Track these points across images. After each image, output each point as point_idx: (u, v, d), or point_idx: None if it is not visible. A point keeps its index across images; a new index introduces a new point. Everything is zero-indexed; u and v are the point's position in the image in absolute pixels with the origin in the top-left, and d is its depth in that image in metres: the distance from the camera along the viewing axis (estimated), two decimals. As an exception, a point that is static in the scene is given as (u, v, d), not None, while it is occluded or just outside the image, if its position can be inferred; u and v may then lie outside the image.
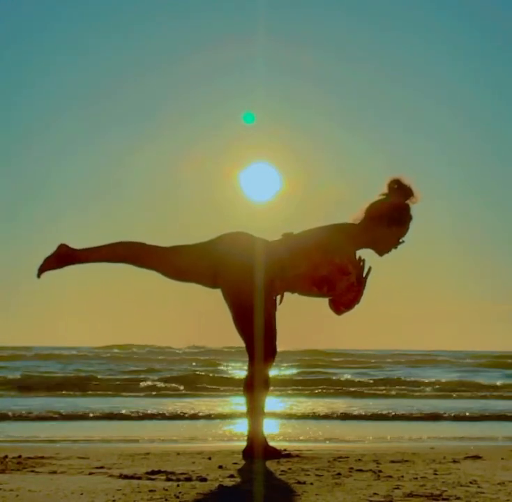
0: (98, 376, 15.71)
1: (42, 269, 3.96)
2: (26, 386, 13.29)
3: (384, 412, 9.41)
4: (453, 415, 9.22)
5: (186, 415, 8.96)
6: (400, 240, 4.11)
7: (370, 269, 4.05)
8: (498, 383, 15.80)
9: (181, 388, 13.62)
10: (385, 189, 4.12)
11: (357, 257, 4.06)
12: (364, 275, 4.03)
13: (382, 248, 4.11)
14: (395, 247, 4.12)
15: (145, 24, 42.50)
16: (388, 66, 45.84)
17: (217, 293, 4.01)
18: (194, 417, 8.88)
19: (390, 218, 4.05)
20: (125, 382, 14.52)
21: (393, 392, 13.52)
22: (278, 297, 4.02)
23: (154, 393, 12.77)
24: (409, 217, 4.10)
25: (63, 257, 3.96)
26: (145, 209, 47.38)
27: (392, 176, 4.12)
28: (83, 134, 45.07)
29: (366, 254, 4.10)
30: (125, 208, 47.96)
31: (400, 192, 4.08)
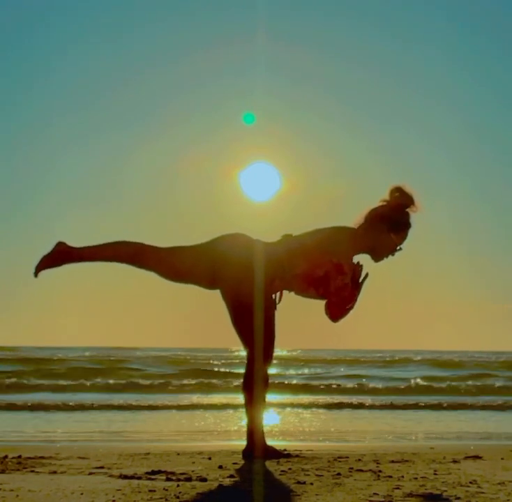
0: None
1: (40, 267, 3.91)
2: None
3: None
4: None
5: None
6: (397, 248, 4.11)
7: (366, 275, 4.05)
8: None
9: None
10: (386, 196, 4.12)
11: (355, 262, 4.05)
12: (360, 280, 4.03)
13: (379, 254, 4.10)
14: (393, 254, 4.12)
15: (145, 24, 42.54)
16: (388, 67, 45.87)
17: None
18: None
19: (389, 224, 4.05)
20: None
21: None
22: (277, 295, 4.02)
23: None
24: (408, 225, 4.09)
25: (61, 255, 3.92)
26: (145, 209, 47.43)
27: (395, 184, 4.12)
28: (83, 133, 45.09)
29: (363, 260, 4.10)
30: (125, 208, 47.97)
31: (401, 200, 4.08)
